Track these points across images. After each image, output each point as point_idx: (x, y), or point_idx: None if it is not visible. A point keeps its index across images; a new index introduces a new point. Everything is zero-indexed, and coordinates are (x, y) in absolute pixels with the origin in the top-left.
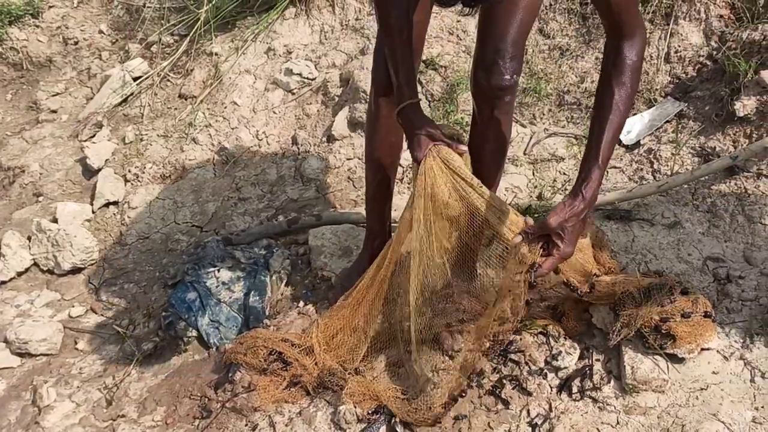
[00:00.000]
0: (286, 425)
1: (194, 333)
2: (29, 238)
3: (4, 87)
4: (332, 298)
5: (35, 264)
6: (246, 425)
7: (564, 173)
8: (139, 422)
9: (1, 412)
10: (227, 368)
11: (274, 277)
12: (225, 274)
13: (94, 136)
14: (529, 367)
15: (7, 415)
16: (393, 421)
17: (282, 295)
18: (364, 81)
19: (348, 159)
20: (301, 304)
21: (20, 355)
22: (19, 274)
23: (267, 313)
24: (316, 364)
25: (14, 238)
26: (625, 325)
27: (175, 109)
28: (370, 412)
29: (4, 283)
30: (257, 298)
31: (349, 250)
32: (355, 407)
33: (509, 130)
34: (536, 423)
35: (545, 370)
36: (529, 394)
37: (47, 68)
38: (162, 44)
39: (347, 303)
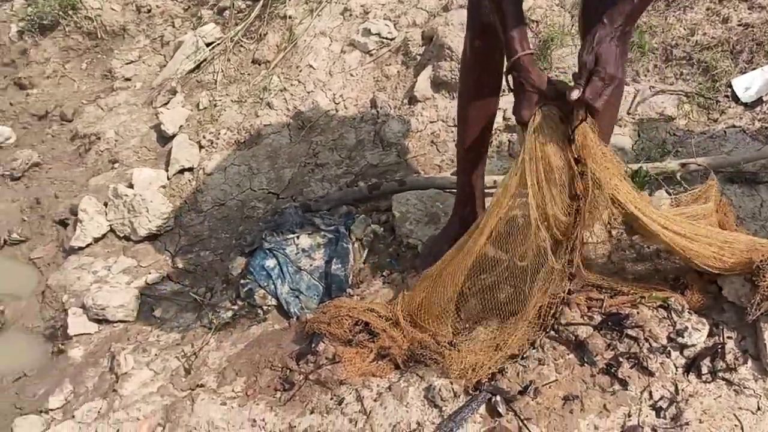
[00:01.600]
0: (375, 400)
1: (274, 302)
2: (105, 204)
3: (80, 56)
4: (420, 266)
5: (111, 230)
6: (331, 399)
7: (674, 134)
8: (218, 392)
9: (79, 378)
10: (310, 339)
11: (356, 245)
12: (305, 241)
13: (168, 102)
14: (650, 344)
15: (84, 382)
16: (493, 399)
17: (365, 263)
18: (450, 37)
19: (431, 122)
20: (386, 272)
21: (97, 321)
22: (96, 240)
23: (350, 282)
24: (404, 337)
25: (91, 204)
26: (766, 298)
27: (249, 74)
28: (468, 388)
29: (81, 249)
30: (339, 266)
31: (436, 216)
32: (452, 383)
33: (623, 82)
34: (660, 406)
35: (668, 348)
36: (651, 374)
37: (121, 36)
38: (234, 9)
39: (435, 273)
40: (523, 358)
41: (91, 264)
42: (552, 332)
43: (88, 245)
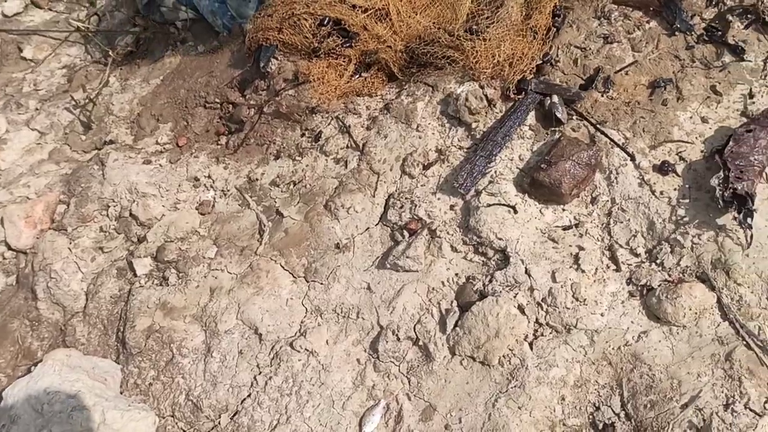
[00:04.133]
0: (368, 128)
1: (191, 14)
2: None
3: None
4: None
5: None
6: (303, 135)
7: None
8: (136, 148)
9: None
10: (255, 57)
11: None
12: None
13: None
14: None
15: None
16: (547, 101)
17: None
18: None
19: None
20: None
21: None
22: None
23: None
24: (396, 33)
25: None
26: None
27: None
28: (507, 91)
29: None
30: None
31: None
32: (483, 87)
33: None
34: None
35: None
36: None
37: None
38: None
39: None
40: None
41: None
42: None
43: None
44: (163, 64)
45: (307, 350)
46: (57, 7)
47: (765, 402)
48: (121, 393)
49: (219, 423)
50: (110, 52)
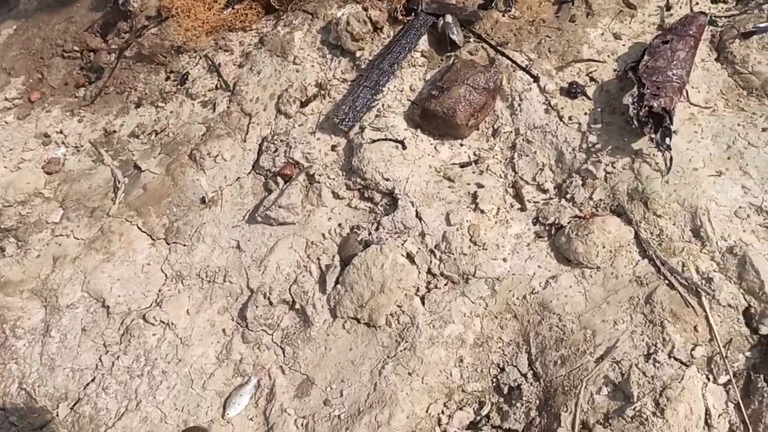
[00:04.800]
0: (240, 65)
1: None
2: None
3: None
4: None
5: None
6: (167, 78)
7: None
8: None
9: None
10: None
11: None
12: None
13: None
14: None
15: None
16: (441, 22)
17: None
18: None
19: None
20: None
21: None
22: None
23: None
24: None
25: None
26: None
27: None
28: (396, 12)
29: None
30: None
31: None
32: (367, 9)
33: None
34: None
35: None
36: None
37: None
38: None
39: None
40: None
41: None
42: None
43: None
44: (17, 12)
45: (164, 322)
46: None
47: (692, 349)
48: None
49: (57, 414)
50: None
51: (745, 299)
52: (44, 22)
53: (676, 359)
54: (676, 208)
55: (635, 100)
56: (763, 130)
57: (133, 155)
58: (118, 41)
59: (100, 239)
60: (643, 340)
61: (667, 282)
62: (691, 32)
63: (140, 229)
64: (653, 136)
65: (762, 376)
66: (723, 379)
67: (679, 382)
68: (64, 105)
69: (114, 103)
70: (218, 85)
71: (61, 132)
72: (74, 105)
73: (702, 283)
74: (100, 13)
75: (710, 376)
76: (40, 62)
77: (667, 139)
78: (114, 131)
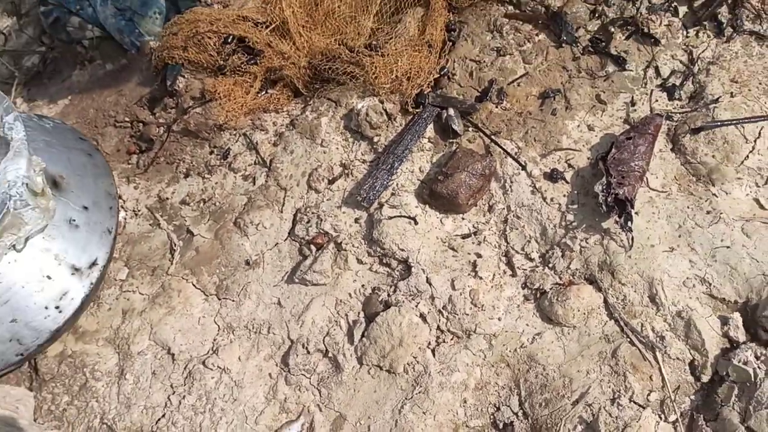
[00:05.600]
0: (275, 144)
1: (96, 31)
2: None
3: None
4: None
5: None
6: (211, 152)
7: None
8: None
9: None
10: (162, 75)
11: None
12: None
13: None
14: (648, 1)
15: None
16: (444, 114)
17: None
18: None
19: None
20: None
21: None
22: None
23: None
24: (299, 49)
25: None
26: None
27: None
28: (406, 105)
29: None
30: None
31: None
32: (383, 102)
33: None
34: (674, 84)
35: (674, 3)
36: (655, 41)
37: None
38: None
39: None
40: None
41: None
42: (509, 6)
43: None
44: (71, 83)
45: (220, 367)
46: None
47: (648, 394)
48: (35, 420)
49: None
50: (16, 73)
51: (690, 353)
52: (97, 94)
53: (635, 403)
54: (636, 278)
55: (604, 188)
56: (707, 212)
57: (185, 221)
58: (165, 116)
59: (162, 295)
60: (609, 387)
61: (629, 339)
62: (649, 131)
63: (195, 286)
64: (618, 219)
65: (702, 415)
66: (672, 418)
67: (637, 422)
68: (120, 171)
69: (165, 173)
70: (256, 161)
71: (120, 197)
72: (129, 172)
73: (656, 341)
74: (148, 88)
75: (662, 416)
76: (95, 130)
77: (629, 222)
78: (167, 198)
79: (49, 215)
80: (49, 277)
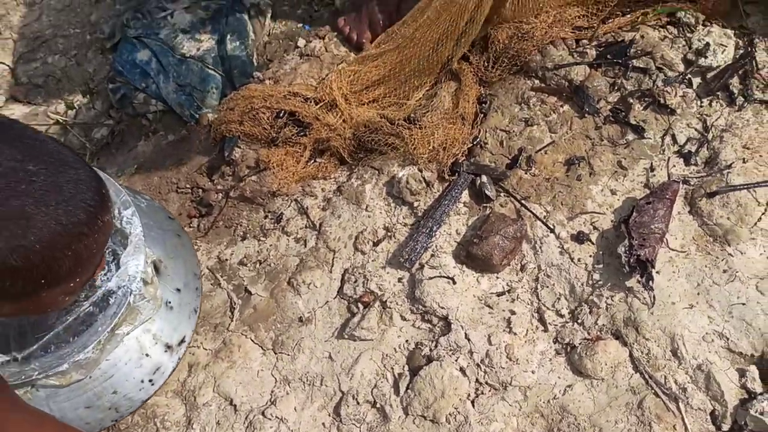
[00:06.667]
0: (324, 209)
1: (160, 105)
2: None
3: None
4: (344, 25)
5: None
6: (266, 217)
7: None
8: None
9: None
10: (220, 146)
11: (252, 12)
12: (182, 18)
13: None
14: (664, 74)
15: None
16: (478, 181)
17: (270, 34)
18: None
19: None
20: (302, 42)
21: None
22: None
23: (256, 63)
24: (345, 122)
25: None
26: None
27: None
28: (443, 173)
29: None
30: (237, 43)
31: None
32: (421, 171)
33: None
34: (689, 151)
35: (688, 75)
36: (671, 111)
37: None
38: None
39: (408, 28)
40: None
41: None
42: (536, 80)
43: None
44: (137, 153)
45: (278, 417)
46: (35, 100)
47: None
48: None
49: None
50: (87, 144)
51: (711, 404)
52: (160, 163)
53: None
54: (659, 333)
55: (626, 250)
56: (724, 271)
57: (243, 280)
58: (223, 183)
59: (224, 350)
60: None
61: (653, 391)
62: (668, 196)
63: (253, 341)
64: (640, 279)
65: None
66: None
67: None
68: None
69: (224, 236)
70: (307, 225)
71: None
72: (191, 235)
73: (679, 393)
74: (207, 158)
75: None
76: (159, 196)
77: (651, 282)
78: (226, 259)
79: (158, 304)
80: (147, 355)
